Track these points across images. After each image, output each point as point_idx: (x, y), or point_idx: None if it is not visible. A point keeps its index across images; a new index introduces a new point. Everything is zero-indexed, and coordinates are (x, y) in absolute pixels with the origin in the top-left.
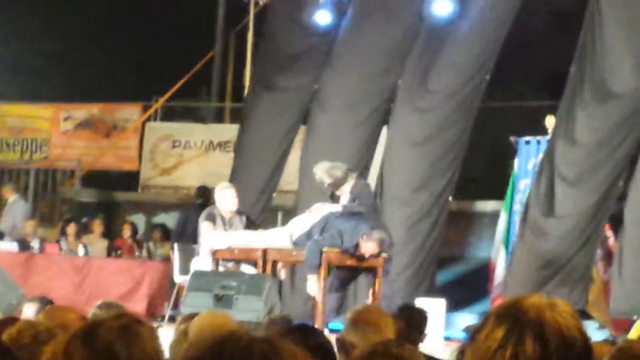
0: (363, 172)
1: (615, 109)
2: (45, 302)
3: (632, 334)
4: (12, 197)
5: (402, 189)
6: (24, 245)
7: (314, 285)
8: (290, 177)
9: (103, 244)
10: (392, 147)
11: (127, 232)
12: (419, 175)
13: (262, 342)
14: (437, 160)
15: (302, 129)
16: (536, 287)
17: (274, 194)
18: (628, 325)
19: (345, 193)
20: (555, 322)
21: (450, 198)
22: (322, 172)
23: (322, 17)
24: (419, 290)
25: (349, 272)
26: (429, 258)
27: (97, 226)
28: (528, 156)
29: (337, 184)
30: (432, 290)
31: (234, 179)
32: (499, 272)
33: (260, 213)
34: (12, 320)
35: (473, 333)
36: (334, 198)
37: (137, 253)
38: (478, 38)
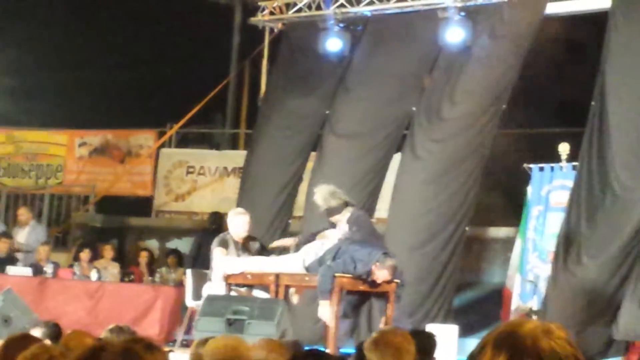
0: (370, 198)
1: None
2: (52, 326)
3: None
4: (31, 221)
5: (422, 221)
6: (37, 270)
7: (327, 310)
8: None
9: (115, 268)
10: (410, 178)
11: (144, 259)
12: (438, 206)
13: None
14: (457, 190)
15: (313, 155)
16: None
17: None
18: None
19: (341, 222)
20: (552, 349)
21: (467, 228)
22: (320, 196)
23: (335, 44)
24: (438, 318)
25: (360, 297)
26: (447, 286)
27: (108, 251)
28: (541, 183)
29: (331, 212)
30: (450, 317)
31: (240, 203)
32: (515, 299)
33: (273, 238)
34: (24, 338)
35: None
36: (330, 223)
37: (149, 278)
38: (494, 67)
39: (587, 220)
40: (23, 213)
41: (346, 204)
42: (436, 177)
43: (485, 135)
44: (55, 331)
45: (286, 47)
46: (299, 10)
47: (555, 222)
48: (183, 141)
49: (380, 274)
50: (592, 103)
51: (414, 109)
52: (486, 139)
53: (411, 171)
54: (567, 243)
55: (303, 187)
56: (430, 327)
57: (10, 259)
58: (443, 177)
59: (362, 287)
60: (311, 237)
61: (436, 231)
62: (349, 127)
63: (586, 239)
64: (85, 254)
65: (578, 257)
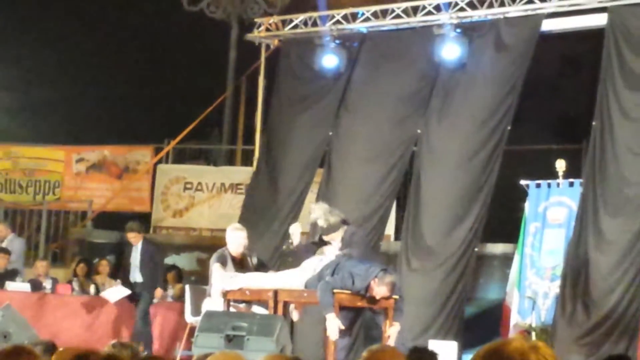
0: (379, 222)
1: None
2: (48, 345)
3: None
4: (10, 235)
5: (435, 242)
6: (36, 286)
7: (335, 322)
8: (305, 218)
9: (111, 284)
10: (422, 209)
11: None
12: (451, 232)
13: None
14: (468, 216)
15: (319, 171)
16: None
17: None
18: None
19: (335, 240)
20: None
21: (476, 249)
22: (320, 213)
23: (332, 61)
24: (449, 336)
25: (355, 312)
26: (457, 305)
27: (104, 267)
28: (538, 199)
29: (329, 230)
30: (460, 335)
31: (244, 218)
32: (514, 315)
33: (277, 255)
34: (18, 350)
35: None
36: (322, 241)
37: None
38: (493, 85)
39: (594, 241)
40: (1, 230)
41: (344, 222)
42: (449, 208)
43: (495, 159)
44: (51, 350)
45: (287, 63)
46: (295, 26)
47: (552, 239)
48: (180, 157)
49: (379, 290)
50: (594, 123)
51: (419, 131)
52: (495, 162)
53: (423, 202)
54: (576, 265)
55: (308, 203)
56: (431, 344)
57: (9, 274)
58: (456, 207)
59: (360, 303)
60: (306, 247)
61: (448, 254)
62: (355, 151)
63: (594, 261)
64: (80, 269)
65: (586, 278)
